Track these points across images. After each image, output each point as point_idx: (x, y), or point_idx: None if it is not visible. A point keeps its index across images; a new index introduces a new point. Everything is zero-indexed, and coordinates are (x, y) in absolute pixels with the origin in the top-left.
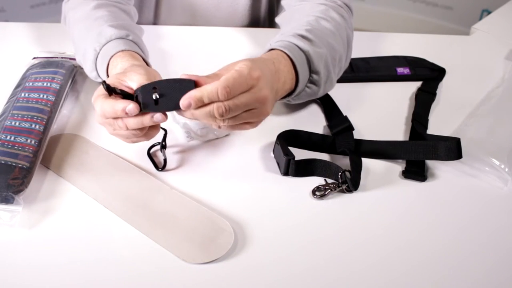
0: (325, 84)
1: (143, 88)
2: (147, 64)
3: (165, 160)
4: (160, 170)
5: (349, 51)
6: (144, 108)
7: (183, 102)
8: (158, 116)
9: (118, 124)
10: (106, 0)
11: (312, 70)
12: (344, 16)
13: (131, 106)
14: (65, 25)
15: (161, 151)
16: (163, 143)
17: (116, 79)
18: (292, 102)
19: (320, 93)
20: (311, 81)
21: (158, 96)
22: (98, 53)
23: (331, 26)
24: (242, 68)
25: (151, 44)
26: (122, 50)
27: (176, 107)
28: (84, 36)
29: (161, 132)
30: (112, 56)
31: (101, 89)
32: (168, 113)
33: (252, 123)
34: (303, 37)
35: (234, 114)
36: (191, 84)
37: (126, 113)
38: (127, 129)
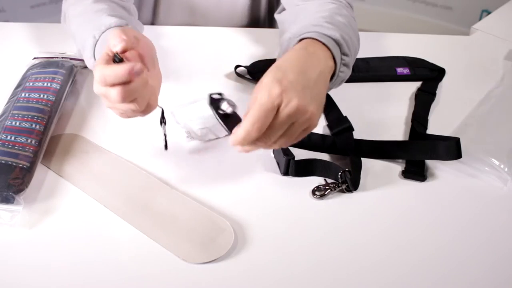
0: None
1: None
2: None
3: (165, 136)
4: (165, 149)
5: (358, 47)
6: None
7: (232, 144)
8: (138, 66)
9: (111, 95)
10: None
11: (342, 52)
12: (351, 14)
13: (138, 66)
14: (65, 22)
15: (161, 125)
16: (163, 120)
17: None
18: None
19: (347, 77)
20: (343, 64)
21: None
22: (97, 40)
23: (345, 21)
24: (260, 97)
25: None
26: None
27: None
28: (84, 27)
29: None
30: None
31: (103, 58)
32: (168, 113)
33: (306, 129)
34: (323, 26)
35: (279, 134)
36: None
37: (133, 75)
38: (121, 99)
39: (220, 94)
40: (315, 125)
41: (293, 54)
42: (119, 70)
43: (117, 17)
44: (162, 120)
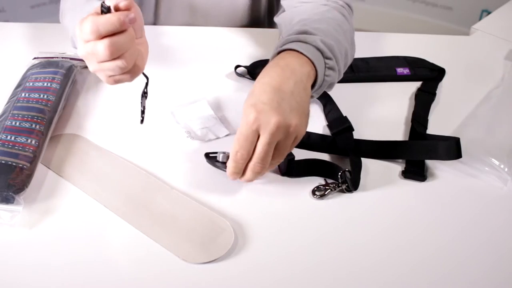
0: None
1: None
2: None
3: (144, 109)
4: (141, 123)
5: (353, 49)
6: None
7: (229, 177)
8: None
9: (99, 49)
10: None
11: (325, 57)
12: (345, 16)
13: (132, 14)
14: (62, 19)
15: (141, 99)
16: (145, 90)
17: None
18: (315, 96)
19: (337, 80)
20: (328, 68)
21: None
22: None
23: (335, 23)
24: (240, 125)
25: (151, 44)
26: None
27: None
28: (76, 17)
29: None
30: None
31: (91, 13)
32: (169, 112)
33: (295, 140)
34: (306, 32)
35: (270, 154)
36: None
37: (126, 23)
38: (109, 53)
39: (214, 153)
40: (302, 134)
41: (266, 72)
42: (113, 18)
43: None
44: (144, 92)
